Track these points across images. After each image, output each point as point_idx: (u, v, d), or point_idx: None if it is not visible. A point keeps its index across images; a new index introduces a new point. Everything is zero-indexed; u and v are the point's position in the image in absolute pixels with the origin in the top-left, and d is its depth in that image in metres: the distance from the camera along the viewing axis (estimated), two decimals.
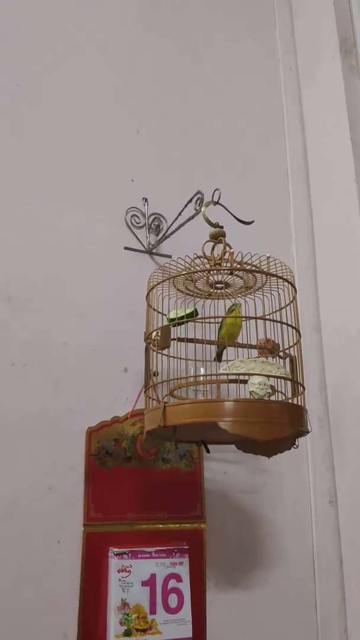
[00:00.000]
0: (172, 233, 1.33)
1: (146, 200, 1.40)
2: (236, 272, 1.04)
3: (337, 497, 1.37)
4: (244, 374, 0.92)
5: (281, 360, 1.03)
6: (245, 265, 1.02)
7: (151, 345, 1.04)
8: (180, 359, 1.03)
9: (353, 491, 1.34)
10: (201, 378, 1.06)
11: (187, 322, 1.02)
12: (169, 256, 1.36)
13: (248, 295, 1.11)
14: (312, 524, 1.41)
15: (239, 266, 1.02)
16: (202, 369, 1.10)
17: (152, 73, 1.55)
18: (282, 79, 1.76)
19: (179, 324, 1.02)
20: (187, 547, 1.18)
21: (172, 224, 1.32)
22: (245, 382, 0.93)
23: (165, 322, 1.05)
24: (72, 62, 1.44)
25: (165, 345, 0.99)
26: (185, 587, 1.15)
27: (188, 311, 1.03)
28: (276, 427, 0.90)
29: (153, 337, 1.02)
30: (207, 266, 1.03)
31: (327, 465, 1.41)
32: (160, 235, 1.38)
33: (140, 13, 1.59)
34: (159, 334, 1.00)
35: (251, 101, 1.70)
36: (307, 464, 1.44)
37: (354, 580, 1.30)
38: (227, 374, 0.93)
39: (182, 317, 1.02)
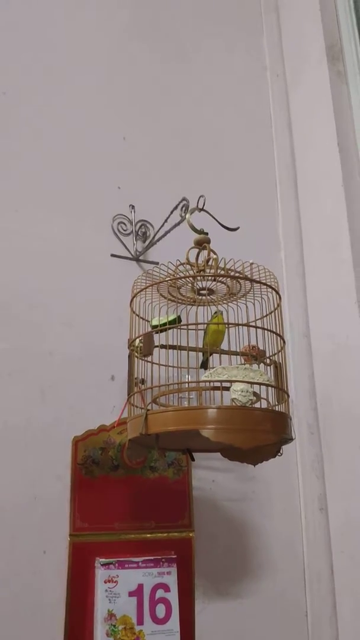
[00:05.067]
0: (159, 240, 1.32)
1: (133, 207, 1.40)
2: (220, 279, 1.03)
3: (327, 505, 1.36)
4: (226, 381, 0.91)
5: (265, 367, 1.02)
6: (229, 272, 1.02)
7: (134, 352, 1.03)
8: (164, 365, 1.02)
9: (343, 498, 1.33)
10: (185, 385, 1.05)
11: (169, 328, 1.01)
12: (156, 263, 1.35)
13: (233, 302, 1.11)
14: (302, 532, 1.40)
15: (223, 273, 1.01)
16: (187, 376, 1.09)
17: (139, 80, 1.55)
18: (270, 85, 1.77)
19: (162, 331, 1.01)
20: (175, 556, 1.17)
21: (158, 231, 1.32)
22: (227, 389, 0.92)
23: (149, 329, 1.05)
24: (58, 69, 1.44)
25: (148, 352, 0.98)
26: (173, 597, 1.14)
27: (171, 318, 1.02)
28: (259, 434, 0.89)
29: (136, 344, 1.02)
30: (192, 273, 1.03)
31: (317, 472, 1.40)
32: (147, 242, 1.38)
33: (128, 21, 1.60)
34: (142, 340, 0.99)
35: (239, 108, 1.70)
36: (296, 471, 1.43)
37: (345, 588, 1.28)
38: (209, 381, 0.93)
39: (164, 324, 1.01)
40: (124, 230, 1.39)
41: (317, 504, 1.39)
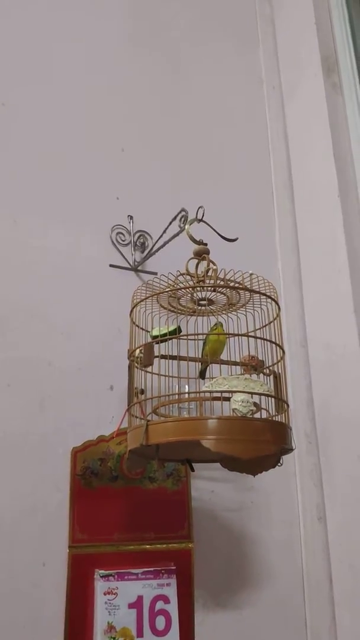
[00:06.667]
0: (157, 250, 1.33)
1: (131, 217, 1.41)
2: (219, 289, 1.04)
3: (325, 514, 1.36)
4: (227, 392, 0.92)
5: (265, 377, 1.03)
6: (228, 282, 1.02)
7: (134, 362, 1.03)
8: (164, 375, 1.02)
9: (342, 507, 1.33)
10: (185, 396, 1.05)
11: (170, 339, 1.01)
12: (155, 273, 1.35)
13: (232, 312, 1.11)
14: (301, 542, 1.39)
15: (222, 283, 1.02)
16: (186, 386, 1.09)
17: (138, 91, 1.57)
18: (266, 97, 1.78)
19: (162, 341, 1.01)
20: (174, 567, 1.17)
21: (157, 242, 1.32)
22: (228, 399, 0.92)
23: (149, 339, 1.05)
24: (57, 80, 1.45)
25: (148, 362, 0.98)
26: (173, 609, 1.13)
27: (171, 328, 1.03)
28: (259, 444, 0.89)
29: (136, 354, 1.02)
30: (191, 283, 1.03)
31: (315, 481, 1.40)
32: (146, 252, 1.38)
33: (125, 32, 1.61)
34: (142, 351, 0.99)
35: (236, 119, 1.71)
36: (295, 481, 1.43)
37: (344, 598, 1.28)
38: (210, 392, 0.93)
39: (164, 334, 1.01)
40: (123, 241, 1.39)
41: (315, 513, 1.39)
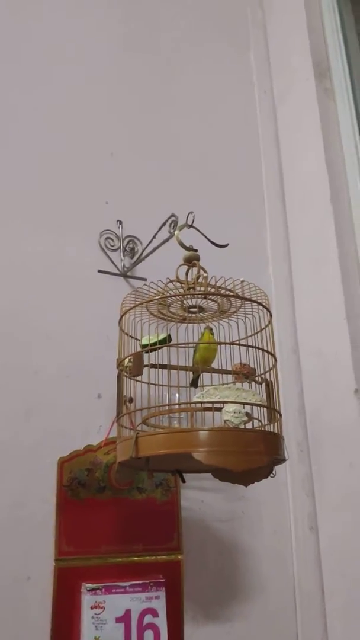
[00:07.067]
0: (147, 256, 1.31)
1: (120, 222, 1.38)
2: (210, 296, 1.02)
3: (317, 523, 1.34)
4: (219, 402, 0.89)
5: (257, 386, 1.01)
6: (219, 289, 1.00)
7: (123, 372, 1.00)
8: (154, 384, 1.00)
9: (334, 517, 1.31)
10: (176, 406, 1.03)
11: (159, 348, 0.99)
12: (144, 279, 1.34)
13: (223, 319, 1.09)
14: (293, 552, 1.37)
15: (213, 290, 1.00)
16: (177, 395, 1.07)
17: (127, 95, 1.55)
18: (257, 101, 1.77)
19: (152, 351, 0.99)
20: (163, 580, 1.14)
21: (146, 247, 1.30)
22: (219, 409, 0.90)
23: (139, 348, 1.02)
24: (46, 84, 1.43)
25: (137, 372, 0.96)
26: (161, 623, 1.11)
27: (161, 337, 1.01)
28: (252, 456, 0.87)
29: (125, 363, 0.99)
30: (181, 290, 1.01)
31: (306, 490, 1.38)
32: (135, 258, 1.36)
33: (116, 35, 1.59)
34: (131, 360, 0.97)
35: (227, 124, 1.70)
36: (286, 490, 1.41)
37: (336, 610, 1.26)
38: (201, 402, 0.91)
39: (154, 343, 0.99)
40: (112, 246, 1.37)
41: (307, 522, 1.37)
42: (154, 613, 1.11)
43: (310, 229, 1.51)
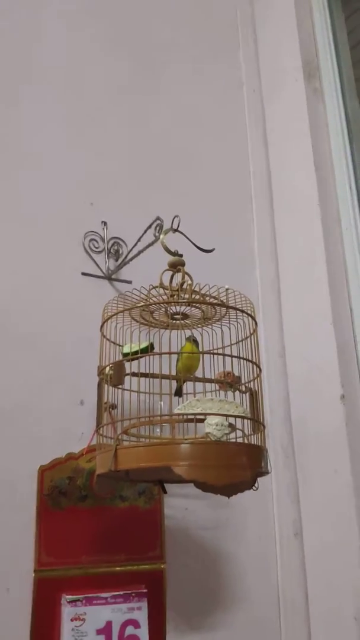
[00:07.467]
0: (132, 259, 1.28)
1: (105, 224, 1.35)
2: (195, 304, 0.99)
3: (302, 530, 1.33)
4: (200, 414, 0.87)
5: (241, 395, 0.99)
6: (204, 297, 0.98)
7: (104, 380, 0.98)
8: (135, 392, 0.98)
9: (318, 523, 1.30)
10: (157, 418, 1.00)
11: (141, 357, 0.96)
12: (129, 282, 1.31)
13: (207, 326, 1.07)
14: (277, 559, 1.36)
15: (197, 298, 0.97)
16: (160, 402, 1.04)
17: (114, 95, 1.51)
18: (246, 101, 1.74)
19: (133, 359, 0.96)
20: (145, 590, 1.12)
21: (131, 250, 1.27)
22: (202, 421, 0.88)
23: (121, 355, 1.00)
24: (29, 86, 1.39)
25: (118, 382, 0.93)
26: (143, 634, 1.09)
27: (143, 345, 0.98)
28: (234, 470, 0.85)
29: (107, 371, 0.97)
30: (165, 297, 0.98)
31: (291, 497, 1.37)
32: (120, 260, 1.33)
33: (99, 34, 1.55)
34: (112, 369, 0.94)
35: (214, 124, 1.66)
36: (271, 496, 1.40)
37: (320, 617, 1.25)
38: (183, 414, 0.88)
39: (136, 352, 0.96)
40: (96, 248, 1.34)
41: (292, 528, 1.36)
42: (136, 624, 1.09)
43: (297, 232, 1.49)
